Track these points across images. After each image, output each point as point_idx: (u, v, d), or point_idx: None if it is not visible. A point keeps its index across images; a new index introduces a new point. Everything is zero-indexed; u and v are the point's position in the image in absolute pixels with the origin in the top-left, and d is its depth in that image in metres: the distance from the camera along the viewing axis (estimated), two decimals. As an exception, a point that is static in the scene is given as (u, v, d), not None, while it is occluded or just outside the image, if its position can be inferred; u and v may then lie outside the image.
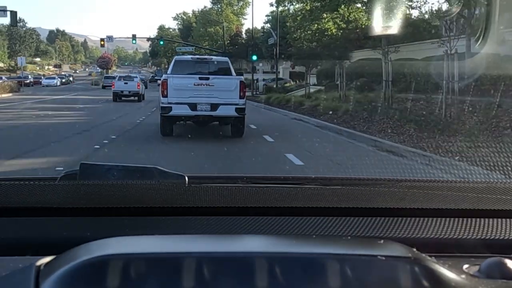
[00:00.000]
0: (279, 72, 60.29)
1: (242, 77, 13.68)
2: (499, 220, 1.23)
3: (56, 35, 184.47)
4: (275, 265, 0.82)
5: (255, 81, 42.41)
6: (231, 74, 12.58)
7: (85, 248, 0.88)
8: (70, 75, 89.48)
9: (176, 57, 14.27)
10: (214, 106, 11.71)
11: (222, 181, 1.32)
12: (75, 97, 36.73)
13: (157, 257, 0.84)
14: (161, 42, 64.56)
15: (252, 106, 28.12)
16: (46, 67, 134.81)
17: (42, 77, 72.36)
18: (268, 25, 57.47)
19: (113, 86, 33.22)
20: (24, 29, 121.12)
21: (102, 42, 57.18)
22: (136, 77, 35.39)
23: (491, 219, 1.23)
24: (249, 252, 0.87)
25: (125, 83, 31.98)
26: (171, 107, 11.64)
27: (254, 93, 40.66)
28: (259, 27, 61.13)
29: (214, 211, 1.19)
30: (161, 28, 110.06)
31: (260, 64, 45.83)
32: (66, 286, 0.79)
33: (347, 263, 0.83)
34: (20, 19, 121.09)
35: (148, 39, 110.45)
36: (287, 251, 0.89)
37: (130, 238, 0.95)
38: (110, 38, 59.78)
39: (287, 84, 45.78)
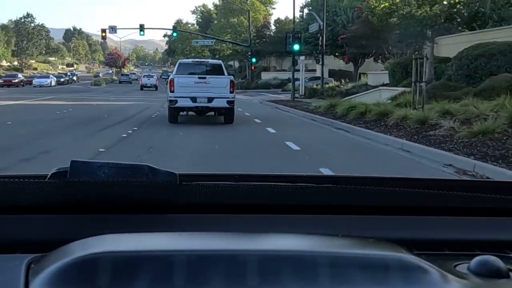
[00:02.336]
0: (315, 70, 49.01)
1: (231, 76, 16.33)
2: (489, 218, 1.22)
3: (72, 34, 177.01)
4: (266, 263, 0.83)
5: (294, 81, 30.56)
6: (223, 74, 15.51)
7: (76, 245, 0.89)
8: (73, 74, 79.05)
9: (180, 61, 17.75)
10: (210, 99, 14.63)
11: (214, 179, 1.28)
12: (40, 104, 25.78)
13: (148, 255, 0.84)
14: (175, 34, 53.59)
15: (308, 122, 16.58)
16: (60, 66, 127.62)
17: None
18: (306, 10, 45.65)
19: (140, 80, 56.58)
20: (32, 25, 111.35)
21: (104, 34, 47.23)
22: (155, 75, 58.28)
23: (481, 217, 1.22)
24: (240, 250, 0.88)
25: (148, 79, 53.90)
26: (177, 100, 14.56)
27: (295, 97, 28.71)
28: (288, 16, 49.76)
29: (205, 209, 1.19)
30: (178, 23, 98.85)
31: (302, 57, 33.79)
32: (56, 284, 0.79)
33: (337, 262, 0.84)
34: (28, 14, 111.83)
35: (165, 35, 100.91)
36: (278, 249, 0.89)
37: (120, 236, 0.94)
38: (113, 29, 49.85)
39: (329, 85, 34.47)
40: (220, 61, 17.60)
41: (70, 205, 1.13)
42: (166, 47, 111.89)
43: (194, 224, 1.13)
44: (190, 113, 15.27)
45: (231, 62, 77.36)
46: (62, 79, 64.14)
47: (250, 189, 1.19)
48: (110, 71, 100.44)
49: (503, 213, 1.22)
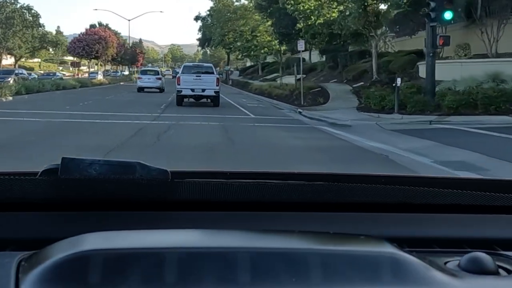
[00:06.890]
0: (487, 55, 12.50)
1: (218, 75, 26.18)
2: (478, 216, 1.23)
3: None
4: (258, 260, 0.83)
5: None
6: (213, 73, 24.87)
7: (66, 243, 0.88)
8: (24, 74, 43.74)
9: (184, 64, 29.02)
10: (203, 90, 23.59)
11: (206, 176, 1.30)
12: None
13: (139, 252, 0.84)
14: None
15: None
16: (71, 68, 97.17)
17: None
18: None
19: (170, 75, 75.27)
20: (12, 7, 75.95)
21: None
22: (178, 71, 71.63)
23: (470, 215, 1.23)
24: (232, 247, 0.88)
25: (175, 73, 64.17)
26: (181, 90, 23.74)
27: None
28: None
29: (197, 206, 1.19)
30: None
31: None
32: (47, 282, 0.79)
33: (328, 258, 0.85)
34: (8, -7, 77.13)
35: (196, 17, 66.36)
36: (269, 247, 0.89)
37: (111, 233, 0.94)
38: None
39: None
40: (211, 64, 28.98)
41: (61, 203, 1.12)
42: (199, 35, 75.84)
43: (186, 222, 1.12)
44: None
45: (305, 54, 40.54)
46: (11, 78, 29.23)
47: (241, 186, 1.19)
48: (119, 73, 66.45)
49: (492, 210, 1.22)
